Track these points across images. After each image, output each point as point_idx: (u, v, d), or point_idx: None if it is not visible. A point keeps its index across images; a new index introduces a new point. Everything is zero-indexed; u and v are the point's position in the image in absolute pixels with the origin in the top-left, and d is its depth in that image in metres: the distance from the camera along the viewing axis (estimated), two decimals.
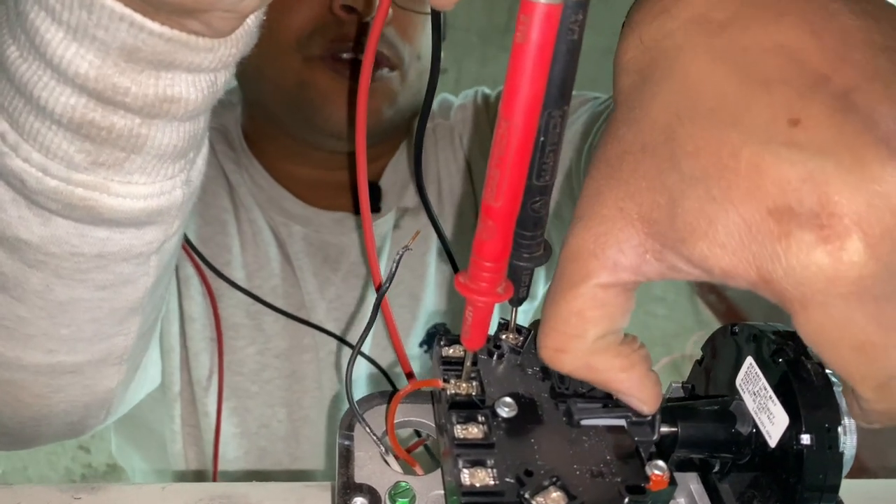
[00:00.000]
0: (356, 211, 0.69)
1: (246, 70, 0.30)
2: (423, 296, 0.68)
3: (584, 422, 0.28)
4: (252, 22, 0.29)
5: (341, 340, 0.65)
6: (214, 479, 0.62)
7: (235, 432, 0.64)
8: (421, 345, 0.69)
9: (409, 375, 0.35)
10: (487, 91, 0.75)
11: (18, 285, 0.34)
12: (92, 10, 0.25)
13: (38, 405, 0.40)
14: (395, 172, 0.71)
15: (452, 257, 0.44)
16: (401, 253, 0.31)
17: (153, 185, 0.31)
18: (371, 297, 0.67)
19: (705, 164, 0.21)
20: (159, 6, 0.25)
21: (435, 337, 0.68)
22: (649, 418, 0.28)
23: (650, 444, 0.29)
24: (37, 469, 1.56)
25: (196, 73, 0.28)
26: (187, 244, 0.60)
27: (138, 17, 0.26)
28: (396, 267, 0.31)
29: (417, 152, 0.37)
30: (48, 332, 0.36)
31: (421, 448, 0.63)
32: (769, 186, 0.20)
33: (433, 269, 0.69)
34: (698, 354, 0.34)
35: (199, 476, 0.64)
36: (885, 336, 0.20)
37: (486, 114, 0.73)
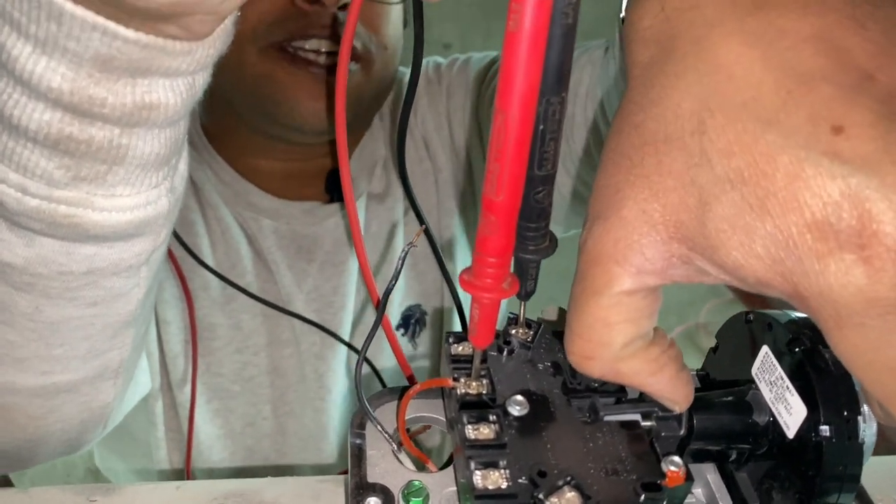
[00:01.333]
0: (325, 199, 0.68)
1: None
2: None
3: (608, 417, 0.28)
4: (230, 20, 0.27)
5: (323, 329, 0.64)
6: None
7: (220, 434, 0.64)
8: (397, 328, 0.68)
9: (411, 379, 0.35)
10: (440, 60, 0.73)
11: (6, 309, 0.33)
12: (61, 22, 0.24)
13: (33, 426, 0.39)
14: (361, 159, 0.69)
15: (436, 246, 0.43)
16: (405, 250, 0.30)
17: (138, 195, 0.30)
18: (349, 284, 0.66)
19: (739, 165, 0.20)
20: (134, 12, 0.24)
21: (410, 319, 0.68)
22: (676, 413, 0.28)
23: (676, 439, 0.29)
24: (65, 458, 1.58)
25: (174, 78, 0.27)
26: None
27: (111, 25, 0.24)
28: (401, 265, 0.31)
29: (401, 138, 0.37)
30: (41, 353, 0.35)
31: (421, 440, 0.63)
32: (808, 199, 0.19)
33: (405, 260, 0.68)
34: (712, 323, 0.33)
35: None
36: None
37: (439, 85, 0.70)
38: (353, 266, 0.67)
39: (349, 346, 0.65)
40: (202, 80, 0.29)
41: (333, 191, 0.68)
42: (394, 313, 0.68)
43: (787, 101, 0.19)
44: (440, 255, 0.41)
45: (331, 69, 0.58)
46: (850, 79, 0.19)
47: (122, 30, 0.25)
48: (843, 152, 0.19)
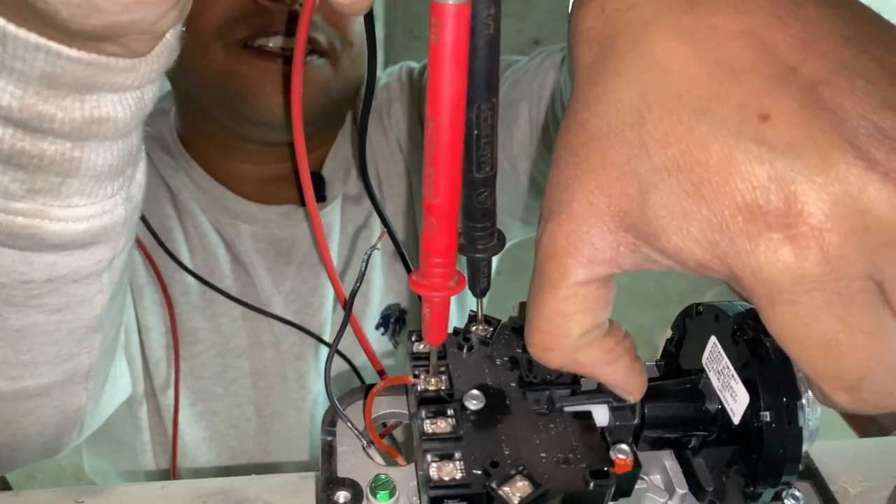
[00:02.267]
0: (302, 202, 0.69)
1: (172, 66, 0.31)
2: (373, 279, 0.68)
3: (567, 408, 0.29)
4: (171, 36, 0.28)
5: (301, 329, 0.65)
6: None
7: (204, 436, 0.65)
8: (377, 327, 0.69)
9: (381, 373, 0.36)
10: (413, 65, 0.74)
11: None
12: (6, 44, 0.25)
13: (9, 431, 0.40)
14: (336, 160, 0.70)
15: (397, 241, 0.44)
16: (368, 253, 0.31)
17: (94, 205, 0.31)
18: (326, 285, 0.67)
19: (675, 154, 0.21)
20: (73, 34, 0.25)
21: (390, 318, 0.69)
22: (630, 403, 0.29)
23: (630, 428, 0.30)
24: (69, 458, 1.60)
25: (121, 93, 0.28)
26: (144, 249, 0.61)
27: (54, 46, 0.25)
28: (365, 266, 0.32)
29: (361, 142, 0.38)
30: (9, 359, 0.36)
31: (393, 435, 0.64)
32: (738, 183, 0.20)
33: (379, 252, 0.69)
34: None
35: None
36: (851, 336, 0.20)
37: (411, 89, 0.72)
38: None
39: (326, 343, 0.66)
40: (151, 92, 0.30)
41: None
42: (373, 313, 0.69)
43: (718, 93, 0.21)
44: (405, 255, 0.43)
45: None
46: (775, 71, 0.20)
47: (64, 49, 0.26)
48: (769, 139, 0.20)
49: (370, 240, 0.69)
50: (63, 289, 0.34)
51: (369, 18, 0.33)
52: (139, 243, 0.62)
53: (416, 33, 2.34)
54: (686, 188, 0.21)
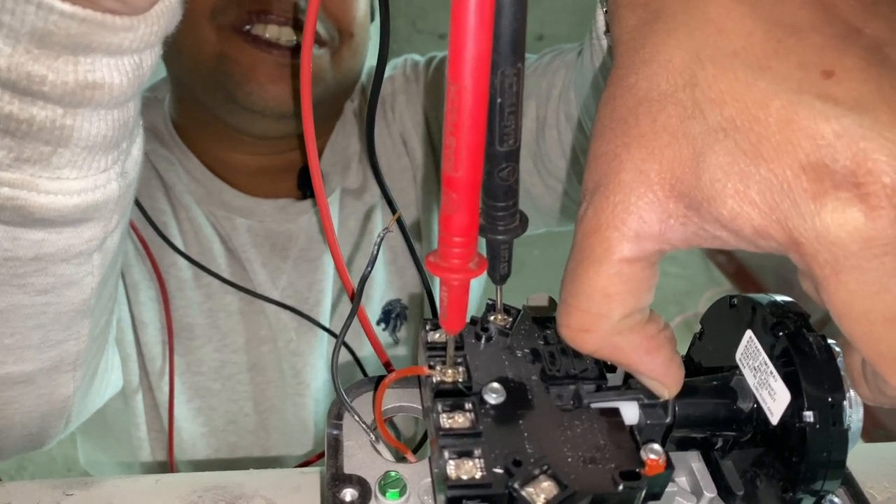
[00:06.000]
0: (298, 196, 0.67)
1: (166, 44, 0.29)
2: (375, 274, 0.66)
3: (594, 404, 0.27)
4: None
5: (301, 314, 0.63)
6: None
7: (203, 431, 0.63)
8: (378, 323, 0.68)
9: (388, 365, 0.34)
10: (417, 58, 0.72)
11: None
12: None
13: None
14: (335, 153, 0.68)
15: (407, 233, 0.42)
16: (381, 235, 0.30)
17: (86, 179, 0.30)
18: (324, 280, 0.65)
19: (731, 113, 0.20)
20: None
21: (391, 314, 0.67)
22: (663, 400, 0.27)
23: (661, 427, 0.28)
24: (60, 449, 1.58)
25: (118, 56, 0.27)
26: (142, 241, 0.59)
27: None
28: (377, 250, 0.30)
29: (370, 133, 0.36)
30: None
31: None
32: (802, 141, 0.19)
33: (381, 248, 0.67)
34: None
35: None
36: None
37: (416, 83, 0.69)
38: (328, 262, 0.66)
39: (328, 330, 0.64)
40: (150, 60, 0.28)
41: (306, 187, 0.66)
42: (374, 308, 0.67)
43: (777, 50, 0.20)
44: (410, 240, 0.41)
45: (293, 52, 0.57)
46: (837, 30, 0.20)
47: (57, 3, 0.24)
48: (835, 94, 0.19)
49: (371, 234, 0.67)
50: (50, 269, 0.32)
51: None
52: (137, 235, 0.60)
53: (418, 27, 2.32)
54: (744, 148, 0.20)
